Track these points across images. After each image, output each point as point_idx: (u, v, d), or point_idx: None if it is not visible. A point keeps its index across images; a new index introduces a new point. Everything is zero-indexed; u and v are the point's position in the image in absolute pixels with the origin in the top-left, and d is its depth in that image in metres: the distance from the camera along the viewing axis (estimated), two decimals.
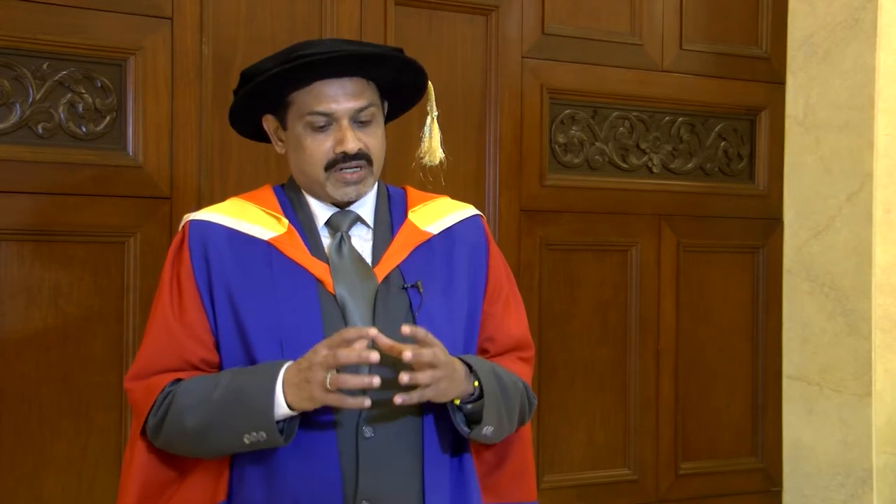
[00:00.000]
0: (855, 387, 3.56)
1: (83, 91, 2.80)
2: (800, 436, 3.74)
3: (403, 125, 2.27)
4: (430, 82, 2.00)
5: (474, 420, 1.84)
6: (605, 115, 3.56)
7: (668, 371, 3.64)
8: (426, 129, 2.04)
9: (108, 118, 2.84)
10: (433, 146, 2.05)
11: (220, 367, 1.86)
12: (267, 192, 1.97)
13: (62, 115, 2.78)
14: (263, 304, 1.83)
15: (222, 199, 2.89)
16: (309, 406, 1.73)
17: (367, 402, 1.72)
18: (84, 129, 2.81)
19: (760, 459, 3.81)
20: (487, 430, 1.85)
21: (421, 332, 1.74)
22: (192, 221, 1.91)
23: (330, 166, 1.86)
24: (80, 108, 2.80)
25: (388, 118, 2.00)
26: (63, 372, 2.78)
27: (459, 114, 3.27)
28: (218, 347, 1.85)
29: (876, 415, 3.52)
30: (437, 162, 2.06)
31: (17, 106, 2.73)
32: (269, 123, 1.95)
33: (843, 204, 3.60)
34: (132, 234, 2.86)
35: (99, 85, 2.82)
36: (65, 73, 2.78)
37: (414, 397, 1.74)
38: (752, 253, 3.80)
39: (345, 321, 1.83)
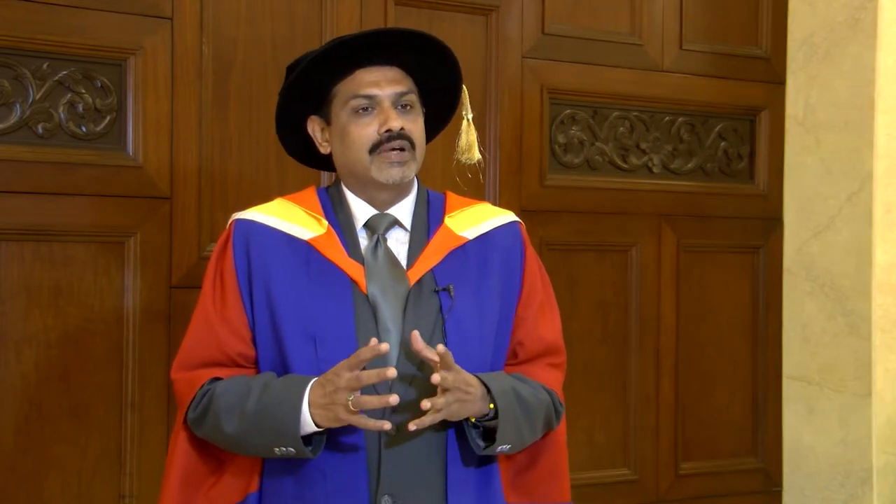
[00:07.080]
0: (855, 387, 3.56)
1: (83, 91, 2.80)
2: (800, 436, 3.74)
3: None
4: (464, 85, 2.07)
5: (490, 436, 1.88)
6: (605, 115, 3.56)
7: (668, 371, 3.64)
8: (462, 130, 2.11)
9: (108, 118, 2.84)
10: (471, 142, 2.12)
11: (256, 361, 1.92)
12: (310, 194, 2.03)
13: (62, 115, 2.78)
14: (298, 301, 1.90)
15: (222, 198, 2.96)
16: (336, 425, 1.80)
17: (388, 426, 1.78)
18: (84, 129, 2.81)
19: (760, 459, 3.80)
20: (503, 447, 1.89)
21: (449, 356, 1.78)
22: (238, 220, 1.98)
23: (374, 148, 1.91)
24: (80, 108, 2.80)
25: (428, 136, 2.05)
26: (63, 372, 2.78)
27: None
28: (254, 342, 1.93)
29: (876, 415, 3.52)
30: (475, 160, 2.12)
31: (17, 106, 2.73)
32: (313, 124, 2.01)
33: (843, 204, 3.60)
34: (132, 234, 2.85)
35: (99, 85, 2.82)
36: (65, 73, 2.78)
37: (426, 421, 1.79)
38: (752, 253, 3.80)
39: (376, 321, 1.89)
